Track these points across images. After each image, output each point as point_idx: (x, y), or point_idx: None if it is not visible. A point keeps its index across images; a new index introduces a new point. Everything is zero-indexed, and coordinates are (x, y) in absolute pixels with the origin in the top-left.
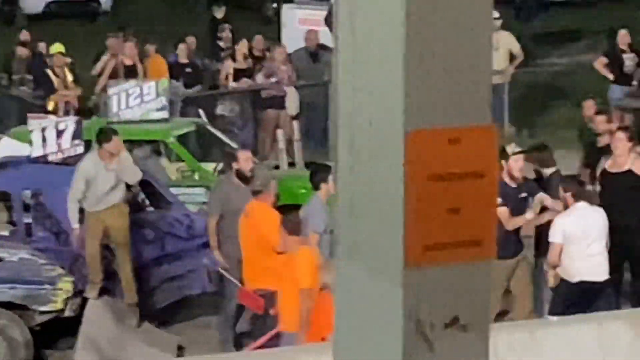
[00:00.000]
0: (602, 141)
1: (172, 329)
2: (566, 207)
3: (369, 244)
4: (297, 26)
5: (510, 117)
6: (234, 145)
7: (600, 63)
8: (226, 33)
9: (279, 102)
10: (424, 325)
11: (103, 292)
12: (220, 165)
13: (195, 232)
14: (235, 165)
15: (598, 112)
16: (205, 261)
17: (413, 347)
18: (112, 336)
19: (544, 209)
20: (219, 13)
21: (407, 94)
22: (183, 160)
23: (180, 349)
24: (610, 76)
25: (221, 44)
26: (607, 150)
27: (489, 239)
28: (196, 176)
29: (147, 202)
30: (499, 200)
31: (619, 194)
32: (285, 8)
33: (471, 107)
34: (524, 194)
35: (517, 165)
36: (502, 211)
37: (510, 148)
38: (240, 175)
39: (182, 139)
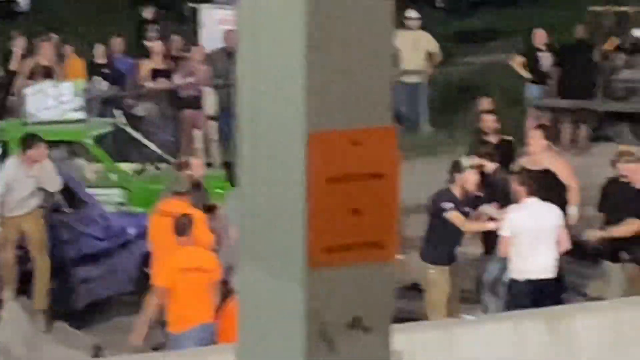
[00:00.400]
0: (491, 139)
1: (90, 330)
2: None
3: (271, 245)
4: (216, 26)
5: (429, 116)
6: (151, 146)
7: (517, 62)
8: (155, 34)
9: (196, 102)
10: (327, 326)
11: (20, 293)
12: (139, 167)
13: (112, 232)
14: (187, 171)
15: (487, 111)
16: (123, 262)
17: (315, 348)
18: (27, 337)
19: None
20: (148, 14)
21: (308, 96)
22: (100, 161)
23: (98, 350)
24: (527, 75)
25: (149, 44)
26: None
27: (391, 240)
28: (113, 177)
29: (65, 203)
30: (451, 205)
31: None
32: (204, 8)
33: (371, 109)
34: (467, 209)
35: (471, 179)
36: (456, 216)
37: (466, 161)
38: (192, 182)
39: (99, 139)
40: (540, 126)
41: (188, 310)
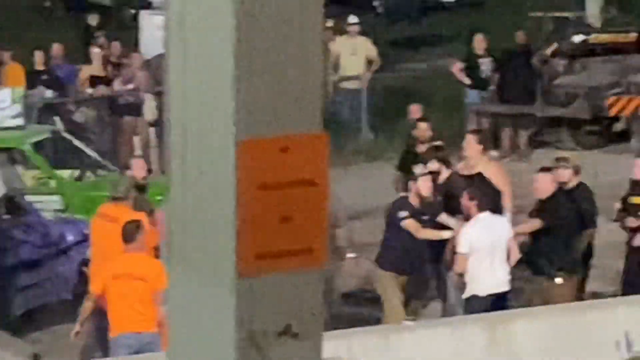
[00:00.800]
0: (420, 148)
1: (29, 337)
2: (469, 217)
3: (201, 252)
4: (156, 32)
5: (370, 122)
6: (90, 153)
7: (457, 68)
8: (101, 41)
9: (135, 109)
10: (257, 334)
11: None
12: (78, 173)
13: (51, 239)
14: (129, 173)
15: (421, 119)
16: (61, 269)
17: (246, 356)
18: None
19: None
20: (93, 21)
21: (238, 103)
22: (39, 168)
23: (37, 358)
24: (467, 81)
25: (95, 51)
26: (422, 158)
27: (321, 247)
28: (52, 183)
29: (3, 209)
30: (406, 213)
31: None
32: (143, 14)
33: (302, 115)
34: (425, 217)
35: (425, 186)
36: (411, 223)
37: (418, 169)
38: (135, 183)
39: (37, 146)
40: (475, 131)
41: (123, 317)
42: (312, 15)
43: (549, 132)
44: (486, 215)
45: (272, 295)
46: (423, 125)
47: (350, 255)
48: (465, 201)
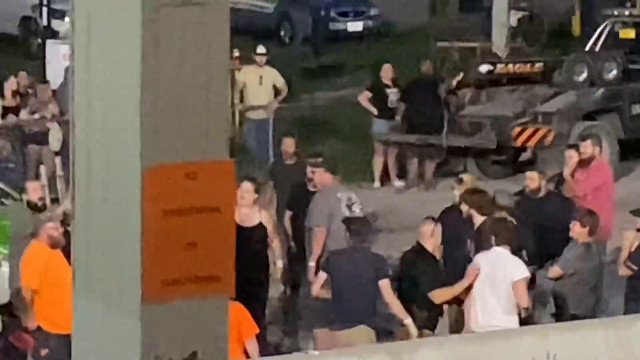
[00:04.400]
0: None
1: None
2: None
3: (106, 279)
4: (62, 61)
5: (275, 151)
6: None
7: (364, 97)
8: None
9: (42, 138)
10: None
11: None
12: None
13: None
14: (25, 197)
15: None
16: None
17: None
18: None
19: None
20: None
21: (143, 130)
22: None
23: None
24: (374, 110)
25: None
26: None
27: (227, 274)
28: None
29: None
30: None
31: None
32: (49, 43)
33: (209, 143)
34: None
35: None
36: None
37: None
38: (31, 206)
39: None
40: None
41: None
42: (218, 44)
43: (455, 162)
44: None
45: (178, 321)
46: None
47: None
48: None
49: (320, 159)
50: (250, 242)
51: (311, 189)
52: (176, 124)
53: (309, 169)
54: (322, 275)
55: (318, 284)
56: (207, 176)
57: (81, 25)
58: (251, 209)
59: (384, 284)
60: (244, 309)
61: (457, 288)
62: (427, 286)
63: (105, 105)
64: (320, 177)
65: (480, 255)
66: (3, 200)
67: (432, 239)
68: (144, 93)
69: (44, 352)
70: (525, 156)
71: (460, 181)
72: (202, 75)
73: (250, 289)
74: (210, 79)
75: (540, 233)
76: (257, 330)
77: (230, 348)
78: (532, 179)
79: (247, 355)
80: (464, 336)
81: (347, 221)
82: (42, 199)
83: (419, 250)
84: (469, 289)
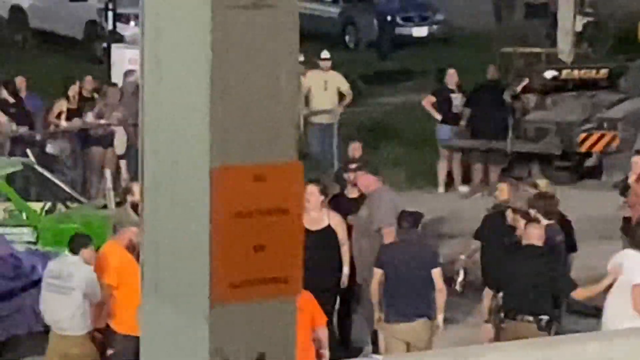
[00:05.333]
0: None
1: None
2: None
3: (175, 281)
4: (127, 65)
5: (339, 156)
6: (62, 185)
7: (428, 102)
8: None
9: (106, 141)
10: None
11: None
12: (49, 205)
13: (22, 271)
14: (130, 198)
15: (354, 163)
16: (32, 300)
17: None
18: None
19: None
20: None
21: (212, 131)
22: (10, 200)
23: None
24: (438, 115)
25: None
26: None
27: (295, 276)
28: (23, 216)
29: None
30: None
31: None
32: (115, 47)
33: (276, 144)
34: None
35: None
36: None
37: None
38: (135, 208)
39: (9, 178)
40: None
41: None
42: (287, 46)
43: (519, 168)
44: None
45: (246, 324)
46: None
47: None
48: None
49: (358, 164)
50: (317, 244)
51: (349, 195)
52: (245, 125)
53: (348, 175)
54: (378, 271)
55: (375, 281)
56: (276, 178)
57: (150, 26)
58: (318, 212)
59: (437, 273)
60: (314, 298)
61: (599, 287)
62: None
63: (174, 107)
64: (365, 180)
65: (619, 255)
66: (68, 203)
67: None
68: (213, 94)
69: (109, 351)
70: (590, 162)
71: (535, 186)
72: (271, 76)
73: (319, 286)
74: (279, 81)
75: None
76: (326, 319)
77: (302, 334)
78: (502, 190)
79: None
80: (533, 341)
81: (401, 215)
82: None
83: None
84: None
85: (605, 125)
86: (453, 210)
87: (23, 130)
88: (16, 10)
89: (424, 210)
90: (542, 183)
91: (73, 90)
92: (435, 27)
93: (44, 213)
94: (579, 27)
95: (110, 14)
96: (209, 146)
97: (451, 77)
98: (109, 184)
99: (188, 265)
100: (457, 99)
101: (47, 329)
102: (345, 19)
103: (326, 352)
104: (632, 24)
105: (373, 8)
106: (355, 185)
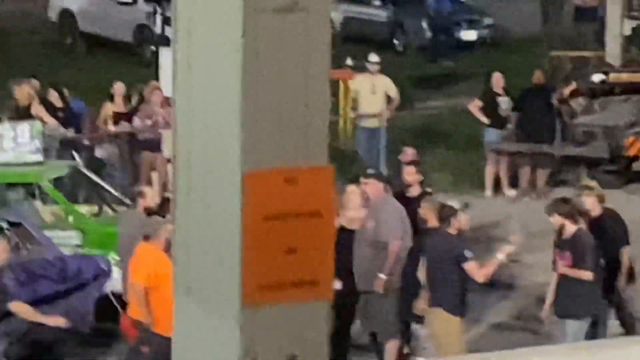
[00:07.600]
0: (412, 192)
1: None
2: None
3: (206, 283)
4: None
5: (387, 159)
6: (109, 188)
7: (475, 106)
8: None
9: (155, 145)
10: None
11: None
12: (96, 209)
13: (69, 274)
14: (141, 202)
15: (410, 163)
16: (78, 303)
17: None
18: None
19: None
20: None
21: (244, 135)
22: (57, 203)
23: None
24: (485, 119)
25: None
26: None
27: (326, 279)
28: (70, 219)
29: (20, 244)
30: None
31: None
32: (164, 51)
33: (308, 148)
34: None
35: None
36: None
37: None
38: (149, 211)
39: (56, 182)
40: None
41: None
42: (319, 50)
43: (567, 171)
44: None
45: (277, 325)
46: (410, 169)
47: None
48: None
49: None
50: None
51: (410, 194)
52: (276, 129)
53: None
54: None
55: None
56: (307, 181)
57: (182, 31)
58: (359, 212)
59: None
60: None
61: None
62: None
63: (206, 110)
64: (373, 188)
65: None
66: (114, 206)
67: None
68: (245, 98)
69: (144, 349)
70: (638, 166)
71: (588, 188)
72: (303, 80)
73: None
74: (311, 85)
75: None
76: None
77: None
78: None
79: None
80: (575, 344)
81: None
82: (155, 204)
83: None
84: None
85: None
86: (500, 214)
87: (71, 133)
88: (66, 14)
89: (472, 214)
90: (592, 185)
91: (120, 93)
92: (484, 31)
93: (91, 216)
94: (627, 31)
95: (158, 17)
96: (241, 150)
97: (497, 81)
98: (157, 187)
99: (220, 268)
100: (505, 103)
101: (91, 332)
102: (394, 22)
103: None
104: None
105: (422, 12)
106: (410, 185)
